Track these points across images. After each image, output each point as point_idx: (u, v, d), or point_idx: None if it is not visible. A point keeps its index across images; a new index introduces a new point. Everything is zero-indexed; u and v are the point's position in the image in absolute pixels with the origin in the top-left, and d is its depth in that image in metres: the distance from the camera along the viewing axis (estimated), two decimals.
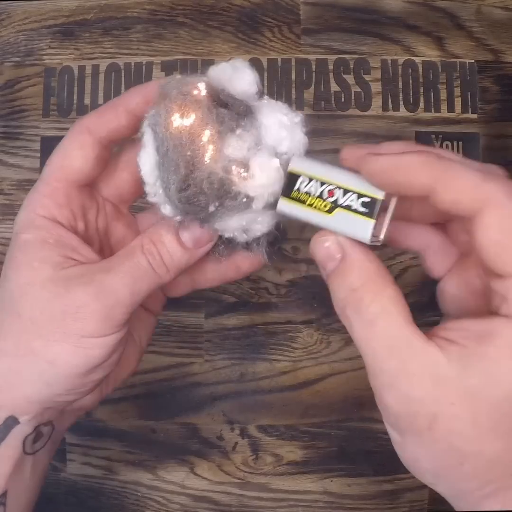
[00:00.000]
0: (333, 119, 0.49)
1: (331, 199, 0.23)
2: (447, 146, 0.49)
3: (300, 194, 0.24)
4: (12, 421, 0.27)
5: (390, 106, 0.50)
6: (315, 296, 0.48)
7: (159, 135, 0.24)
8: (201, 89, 0.24)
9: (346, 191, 0.23)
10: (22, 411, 0.27)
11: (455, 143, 0.49)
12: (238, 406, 0.49)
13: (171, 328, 0.49)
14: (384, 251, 0.48)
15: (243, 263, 0.30)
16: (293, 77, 0.50)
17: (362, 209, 0.23)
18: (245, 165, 0.24)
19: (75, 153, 0.27)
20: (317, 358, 0.49)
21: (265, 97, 0.27)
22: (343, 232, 0.23)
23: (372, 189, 0.23)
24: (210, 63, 0.50)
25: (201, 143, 0.24)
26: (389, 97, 0.50)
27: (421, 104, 0.50)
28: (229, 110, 0.24)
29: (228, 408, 0.49)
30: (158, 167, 0.25)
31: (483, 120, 0.50)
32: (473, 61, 0.50)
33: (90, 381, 0.27)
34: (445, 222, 0.27)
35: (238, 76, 0.25)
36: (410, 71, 0.50)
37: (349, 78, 0.50)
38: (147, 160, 0.25)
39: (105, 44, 0.50)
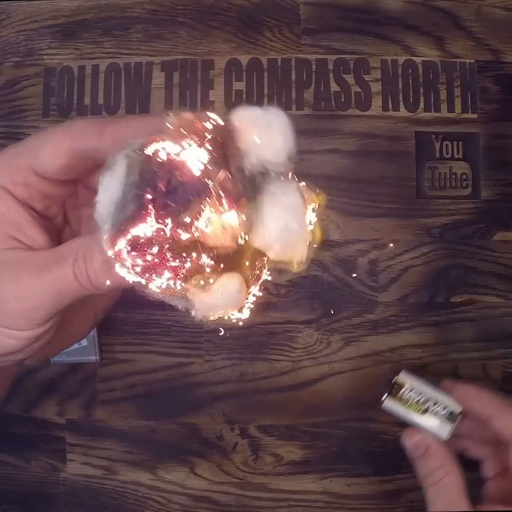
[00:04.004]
0: (333, 119, 0.49)
1: (424, 407, 0.38)
2: (447, 146, 0.49)
3: (402, 399, 0.38)
4: None
5: (390, 106, 0.50)
6: (315, 296, 0.48)
7: (132, 174, 0.20)
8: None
9: (436, 402, 0.38)
10: None
11: (455, 143, 0.49)
12: (238, 406, 0.49)
13: (171, 328, 0.49)
14: (384, 251, 0.48)
15: None
16: (293, 77, 0.50)
17: (446, 417, 0.38)
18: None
19: (47, 152, 0.25)
20: (317, 358, 0.49)
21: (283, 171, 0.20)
22: (429, 429, 0.38)
23: (453, 403, 0.38)
24: (210, 63, 0.50)
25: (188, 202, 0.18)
26: (389, 97, 0.50)
27: (421, 104, 0.50)
28: (245, 182, 0.19)
29: (228, 408, 0.49)
30: (116, 205, 0.20)
31: (483, 120, 0.49)
32: (473, 61, 0.50)
33: (9, 360, 0.27)
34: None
35: (271, 134, 0.19)
36: (410, 71, 0.50)
37: (349, 78, 0.50)
38: (106, 194, 0.21)
39: (105, 44, 0.50)
